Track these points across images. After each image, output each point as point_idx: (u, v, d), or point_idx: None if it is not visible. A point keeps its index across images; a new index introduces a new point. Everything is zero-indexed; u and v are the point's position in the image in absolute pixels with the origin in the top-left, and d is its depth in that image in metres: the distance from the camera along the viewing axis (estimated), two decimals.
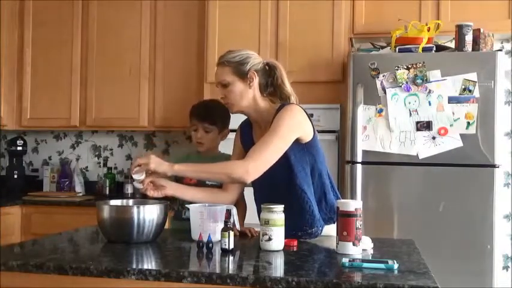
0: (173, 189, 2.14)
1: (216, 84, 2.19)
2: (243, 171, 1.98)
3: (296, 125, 2.07)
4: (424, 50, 3.16)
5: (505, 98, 3.62)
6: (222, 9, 3.57)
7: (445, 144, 3.04)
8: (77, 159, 4.36)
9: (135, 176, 2.01)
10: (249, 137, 2.24)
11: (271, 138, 2.02)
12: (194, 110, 2.47)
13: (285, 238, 1.89)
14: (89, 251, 1.93)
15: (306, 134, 2.11)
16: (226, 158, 2.41)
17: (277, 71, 2.18)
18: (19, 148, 4.18)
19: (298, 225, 2.08)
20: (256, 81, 2.14)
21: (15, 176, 4.18)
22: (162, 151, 4.20)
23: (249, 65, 2.13)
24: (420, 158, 3.07)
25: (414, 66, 3.08)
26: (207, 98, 3.25)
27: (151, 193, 2.07)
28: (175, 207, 2.51)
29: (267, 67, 2.19)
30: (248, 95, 2.14)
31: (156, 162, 1.99)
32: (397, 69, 3.10)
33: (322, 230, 2.14)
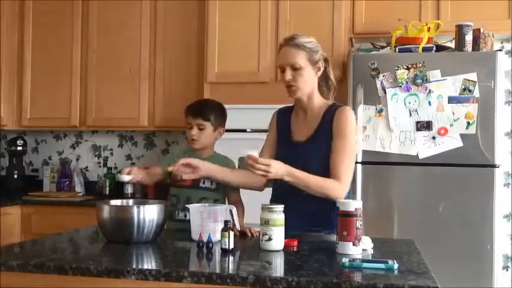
0: (206, 170, 2.14)
1: (283, 65, 2.15)
2: (339, 194, 2.05)
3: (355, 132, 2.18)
4: (424, 50, 3.16)
5: (505, 98, 3.61)
6: (222, 9, 3.57)
7: (445, 144, 3.04)
8: (77, 159, 4.36)
9: (123, 177, 2.13)
10: (287, 124, 2.26)
11: (348, 152, 2.11)
12: (188, 108, 2.48)
13: (287, 237, 1.89)
14: (89, 251, 1.93)
15: None
16: (222, 158, 2.40)
17: (328, 63, 2.23)
18: (19, 148, 4.18)
19: (320, 221, 2.13)
20: (321, 71, 2.18)
21: (15, 176, 4.18)
22: (162, 151, 4.20)
23: (319, 54, 2.18)
24: (420, 158, 3.07)
25: (414, 66, 3.08)
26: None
27: (185, 176, 2.09)
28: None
29: None
30: (313, 83, 2.19)
31: (276, 168, 1.99)
32: (397, 69, 3.10)
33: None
